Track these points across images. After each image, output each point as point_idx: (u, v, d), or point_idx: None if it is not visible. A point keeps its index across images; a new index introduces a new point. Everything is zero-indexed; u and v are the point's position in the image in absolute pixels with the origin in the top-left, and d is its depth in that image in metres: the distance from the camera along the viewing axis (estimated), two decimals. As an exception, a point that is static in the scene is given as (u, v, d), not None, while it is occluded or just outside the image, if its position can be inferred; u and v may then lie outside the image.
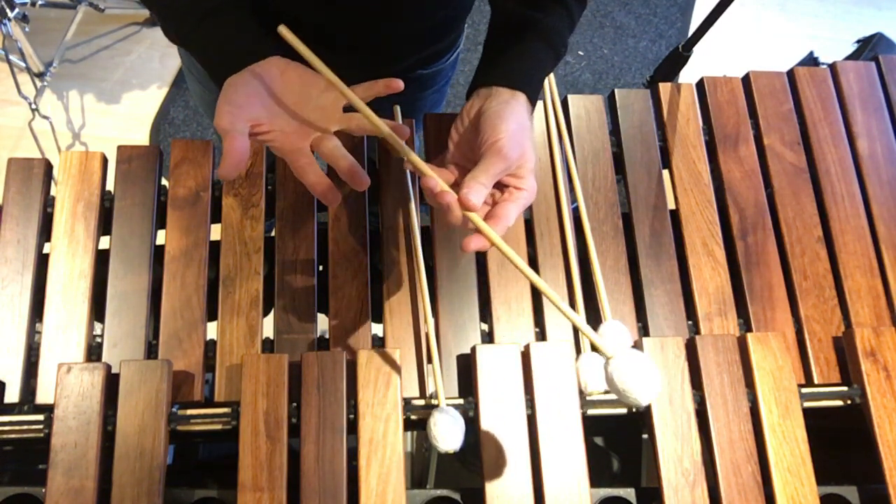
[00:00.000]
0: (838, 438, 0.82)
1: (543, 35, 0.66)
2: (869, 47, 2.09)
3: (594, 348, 0.53)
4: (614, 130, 0.88)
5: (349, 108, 0.61)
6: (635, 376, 0.50)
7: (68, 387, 0.67)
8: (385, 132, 0.58)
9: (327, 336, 0.76)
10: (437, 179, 0.55)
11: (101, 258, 0.77)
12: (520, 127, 0.59)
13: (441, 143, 0.84)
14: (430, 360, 0.74)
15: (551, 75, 0.86)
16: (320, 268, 0.79)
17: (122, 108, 2.04)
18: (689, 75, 1.20)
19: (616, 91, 0.89)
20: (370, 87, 0.62)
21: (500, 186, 0.59)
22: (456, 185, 0.57)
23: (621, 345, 0.54)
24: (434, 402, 0.71)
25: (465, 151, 0.62)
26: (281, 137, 0.58)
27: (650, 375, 0.51)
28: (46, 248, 0.77)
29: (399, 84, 0.60)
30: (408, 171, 0.82)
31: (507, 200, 0.57)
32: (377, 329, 0.77)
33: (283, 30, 0.57)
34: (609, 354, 0.52)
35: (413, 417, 0.72)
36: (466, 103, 0.64)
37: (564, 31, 0.67)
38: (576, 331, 0.77)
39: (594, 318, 0.78)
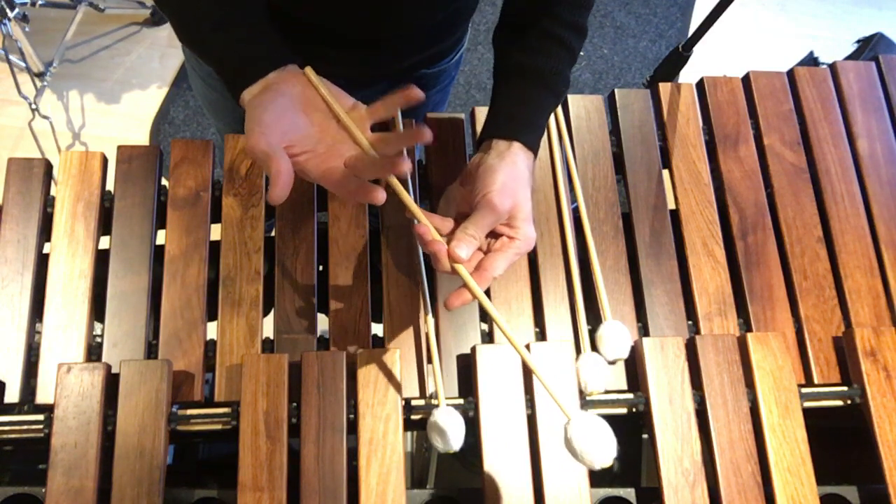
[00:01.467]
0: (838, 438, 0.82)
1: (543, 80, 0.67)
2: (869, 47, 2.09)
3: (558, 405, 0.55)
4: (614, 130, 0.88)
5: (379, 127, 0.60)
6: (592, 440, 0.53)
7: (68, 387, 0.67)
8: (392, 181, 0.57)
9: (327, 336, 0.76)
10: (430, 227, 0.57)
11: (101, 258, 0.77)
12: (512, 178, 0.60)
13: (441, 143, 0.84)
14: (430, 360, 0.74)
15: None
16: (320, 268, 0.79)
17: (122, 108, 2.04)
18: (689, 75, 1.20)
19: (616, 91, 0.89)
20: (389, 103, 0.60)
21: (495, 235, 0.60)
22: (451, 237, 0.58)
23: (578, 410, 0.58)
24: (434, 402, 0.71)
25: (469, 201, 0.63)
26: (313, 159, 0.56)
27: (606, 441, 0.53)
28: (46, 248, 0.77)
29: (418, 94, 0.59)
30: (407, 174, 0.81)
31: (497, 251, 0.59)
32: (377, 329, 0.77)
33: (309, 71, 0.58)
34: (567, 416, 0.54)
35: (413, 417, 0.72)
36: (473, 157, 0.65)
37: (565, 70, 0.69)
38: (576, 331, 0.77)
39: (594, 318, 0.78)
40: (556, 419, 0.70)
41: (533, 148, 0.65)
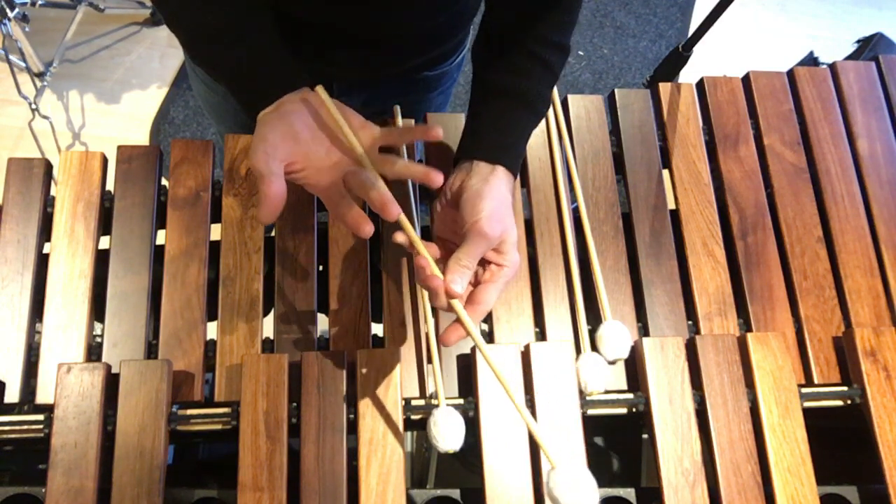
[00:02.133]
0: (838, 438, 0.82)
1: (524, 100, 0.66)
2: (869, 47, 2.09)
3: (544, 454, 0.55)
4: (614, 130, 0.88)
5: (386, 150, 0.60)
6: (573, 491, 0.53)
7: (68, 387, 0.67)
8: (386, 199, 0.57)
9: (327, 336, 0.76)
10: (430, 260, 0.56)
11: (101, 258, 0.77)
12: (499, 203, 0.59)
13: (441, 143, 0.84)
14: (430, 360, 0.74)
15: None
16: (320, 268, 0.79)
17: (122, 108, 2.04)
18: (689, 75, 1.20)
19: (616, 91, 0.89)
20: (407, 133, 0.61)
21: (482, 262, 0.59)
22: (440, 262, 0.58)
23: (566, 457, 0.58)
24: (434, 402, 0.71)
25: (449, 225, 0.62)
26: (315, 175, 0.58)
27: (587, 492, 0.53)
28: (46, 248, 0.77)
29: (439, 133, 0.59)
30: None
31: (488, 282, 0.58)
32: (377, 329, 0.77)
33: (320, 90, 0.58)
34: (553, 464, 0.54)
35: (413, 417, 0.72)
36: (450, 177, 0.64)
37: (545, 89, 0.68)
38: (576, 331, 0.77)
39: (594, 318, 0.78)
40: (556, 419, 0.70)
41: (514, 171, 0.64)
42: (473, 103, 0.70)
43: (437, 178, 0.57)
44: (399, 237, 0.58)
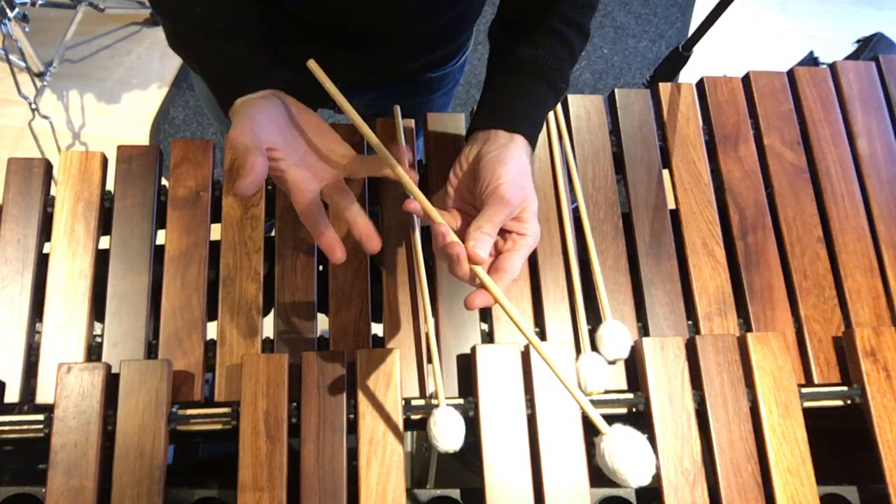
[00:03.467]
0: (838, 438, 0.82)
1: (542, 74, 0.64)
2: (869, 47, 2.09)
3: (594, 426, 0.52)
4: (614, 130, 0.88)
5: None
6: (630, 456, 0.50)
7: (68, 387, 0.67)
8: (401, 176, 0.56)
9: (327, 336, 0.76)
10: (448, 228, 0.53)
11: (101, 258, 0.77)
12: (520, 171, 0.56)
13: (441, 143, 0.84)
14: (430, 360, 0.74)
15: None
16: (320, 268, 0.79)
17: (122, 108, 2.04)
18: (689, 75, 1.20)
19: (616, 91, 0.89)
20: (371, 166, 0.60)
21: (502, 233, 0.56)
22: (459, 233, 0.55)
23: (618, 427, 0.53)
24: (434, 402, 0.71)
25: (466, 196, 0.60)
26: (293, 171, 0.56)
27: (645, 457, 0.51)
28: (46, 248, 0.77)
29: (416, 207, 0.57)
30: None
31: (511, 250, 0.54)
32: (377, 329, 0.77)
33: (312, 64, 0.57)
34: (604, 431, 0.51)
35: (413, 417, 0.72)
36: (465, 148, 0.61)
37: (564, 67, 0.66)
38: (576, 331, 0.77)
39: (594, 318, 0.78)
40: (557, 419, 0.70)
41: (533, 143, 0.62)
42: (489, 78, 0.67)
43: (372, 245, 0.55)
44: (411, 206, 0.55)
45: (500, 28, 0.69)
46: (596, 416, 0.51)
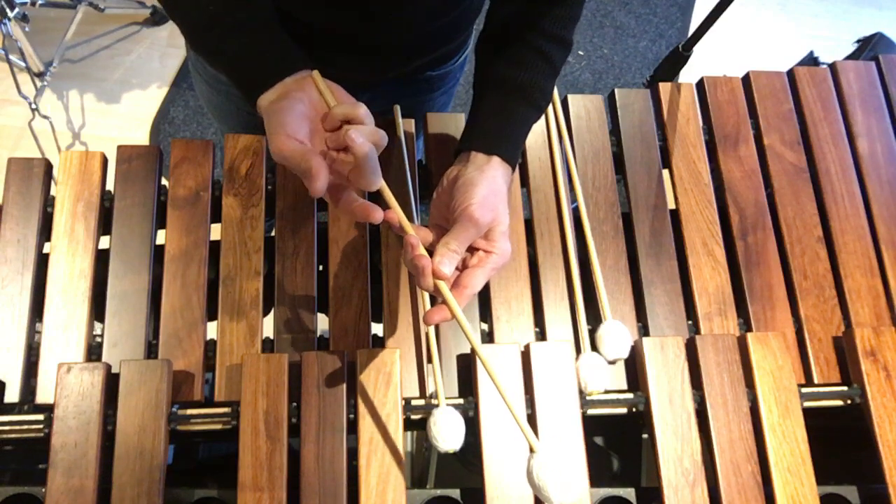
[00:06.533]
0: (838, 438, 0.82)
1: (522, 92, 0.67)
2: (869, 47, 2.09)
3: (528, 441, 0.54)
4: (614, 130, 0.88)
5: (380, 124, 0.60)
6: (555, 475, 0.52)
7: (68, 387, 0.67)
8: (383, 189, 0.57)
9: (327, 336, 0.76)
10: (417, 240, 0.56)
11: (101, 258, 0.77)
12: (492, 191, 0.60)
13: (441, 143, 0.84)
14: (430, 360, 0.74)
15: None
16: (320, 268, 0.79)
17: (122, 108, 2.04)
18: (689, 75, 1.20)
19: (616, 91, 0.89)
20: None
21: (471, 249, 0.59)
22: (431, 248, 0.57)
23: (547, 446, 0.55)
24: (434, 402, 0.71)
25: (443, 212, 0.63)
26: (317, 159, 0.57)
27: (569, 478, 0.52)
28: (46, 248, 0.77)
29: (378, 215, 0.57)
30: (407, 174, 0.82)
31: (476, 266, 0.58)
32: (377, 329, 0.77)
33: (316, 75, 0.58)
34: (535, 449, 0.53)
35: (413, 417, 0.72)
36: (450, 168, 0.64)
37: (545, 83, 0.68)
38: (576, 331, 0.77)
39: (594, 318, 0.78)
40: (557, 419, 0.70)
41: (511, 162, 0.65)
42: (473, 98, 0.70)
43: (376, 215, 0.56)
44: (389, 216, 0.58)
45: (485, 45, 0.71)
46: (528, 431, 0.54)
